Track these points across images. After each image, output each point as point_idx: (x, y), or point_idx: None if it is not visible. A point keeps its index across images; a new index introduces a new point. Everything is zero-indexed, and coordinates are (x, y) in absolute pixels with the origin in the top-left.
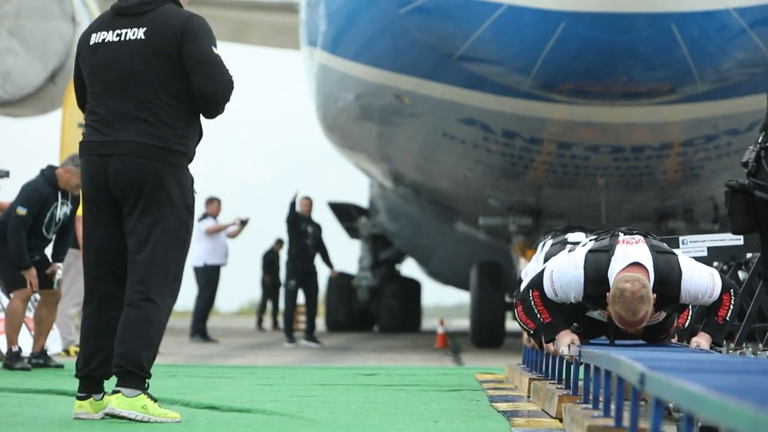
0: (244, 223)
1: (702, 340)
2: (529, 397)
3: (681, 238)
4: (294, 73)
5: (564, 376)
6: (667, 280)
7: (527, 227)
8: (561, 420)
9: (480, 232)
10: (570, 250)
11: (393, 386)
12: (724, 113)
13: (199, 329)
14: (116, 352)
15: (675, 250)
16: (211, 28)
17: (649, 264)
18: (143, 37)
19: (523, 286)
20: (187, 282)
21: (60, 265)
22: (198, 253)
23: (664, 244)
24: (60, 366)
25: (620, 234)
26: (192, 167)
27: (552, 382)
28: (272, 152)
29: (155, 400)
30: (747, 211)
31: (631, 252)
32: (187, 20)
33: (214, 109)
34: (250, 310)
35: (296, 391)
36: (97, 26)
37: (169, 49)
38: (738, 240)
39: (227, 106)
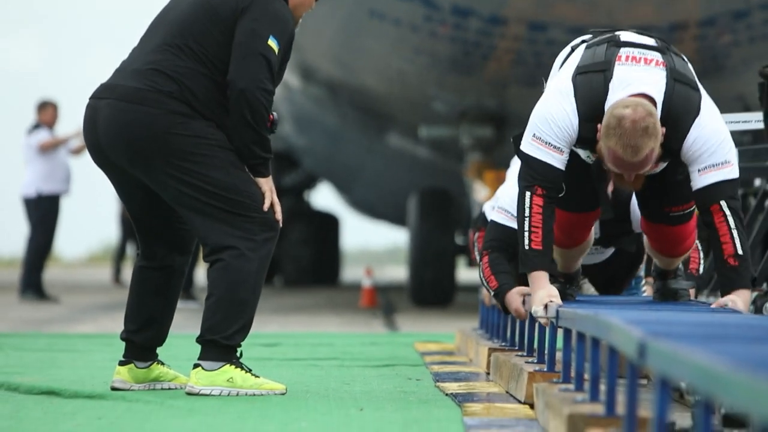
0: None
1: (738, 299)
2: (488, 374)
3: None
4: None
5: (536, 346)
6: (677, 122)
7: (486, 140)
8: (532, 406)
9: (421, 148)
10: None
11: (301, 361)
12: None
13: (33, 283)
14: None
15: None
16: (287, 18)
17: (659, 95)
18: None
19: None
20: (16, 219)
21: None
22: (29, 179)
23: (691, 70)
24: None
25: (623, 42)
26: (23, 63)
27: (520, 353)
28: (135, 39)
29: (249, 370)
30: None
31: (638, 76)
32: None
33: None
34: (103, 257)
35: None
36: None
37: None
38: (760, 123)
39: None
